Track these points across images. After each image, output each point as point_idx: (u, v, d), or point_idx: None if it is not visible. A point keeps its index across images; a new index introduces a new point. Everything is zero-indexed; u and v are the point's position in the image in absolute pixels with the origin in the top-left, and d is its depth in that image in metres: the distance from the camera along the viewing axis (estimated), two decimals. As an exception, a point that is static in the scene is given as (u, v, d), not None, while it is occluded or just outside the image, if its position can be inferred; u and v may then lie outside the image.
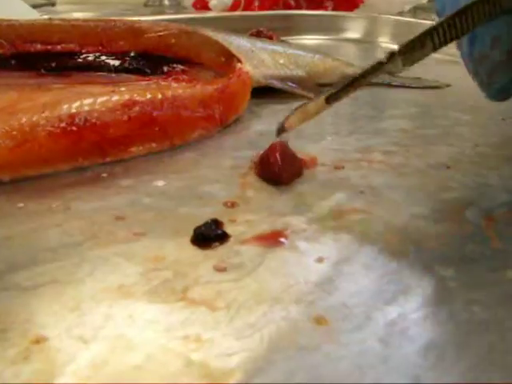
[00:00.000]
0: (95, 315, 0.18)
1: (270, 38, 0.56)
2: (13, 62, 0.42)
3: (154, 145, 0.33)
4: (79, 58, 0.43)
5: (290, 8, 0.97)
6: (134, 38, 0.45)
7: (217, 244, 0.23)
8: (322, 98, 0.28)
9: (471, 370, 0.17)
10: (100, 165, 0.31)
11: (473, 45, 0.27)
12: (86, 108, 0.30)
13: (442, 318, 0.19)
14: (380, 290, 0.20)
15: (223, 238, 0.23)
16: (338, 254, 0.23)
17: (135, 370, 0.16)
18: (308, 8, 0.96)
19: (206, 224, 0.24)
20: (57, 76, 0.42)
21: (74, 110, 0.30)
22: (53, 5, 1.07)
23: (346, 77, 0.28)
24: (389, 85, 0.52)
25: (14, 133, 0.28)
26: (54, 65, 0.43)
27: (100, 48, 0.44)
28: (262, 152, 0.30)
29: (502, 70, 0.27)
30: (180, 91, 0.34)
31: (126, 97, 0.32)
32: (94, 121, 0.30)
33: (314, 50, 0.55)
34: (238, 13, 0.95)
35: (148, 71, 0.44)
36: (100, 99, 0.31)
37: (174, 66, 0.45)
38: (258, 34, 0.57)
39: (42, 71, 0.42)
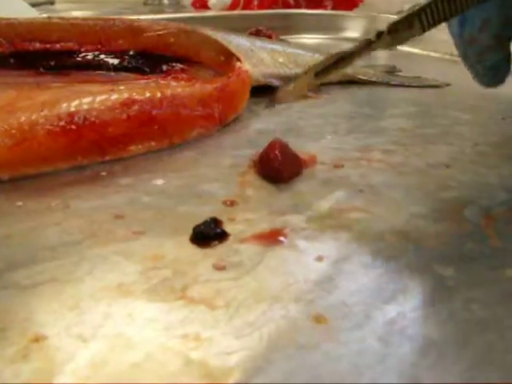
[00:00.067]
0: (94, 314, 0.18)
1: (270, 36, 0.56)
2: (12, 60, 0.42)
3: (153, 143, 0.33)
4: (78, 56, 0.43)
5: (289, 7, 0.97)
6: (133, 36, 0.45)
7: (216, 243, 0.23)
8: (311, 73, 0.28)
9: (470, 369, 0.17)
10: (99, 163, 0.31)
11: (463, 26, 0.27)
12: (85, 107, 0.30)
13: (442, 316, 0.19)
14: (379, 288, 0.20)
15: (222, 236, 0.23)
16: (337, 252, 0.23)
17: (134, 369, 0.16)
18: (307, 7, 0.96)
19: (205, 223, 0.24)
20: (56, 75, 0.42)
21: (73, 109, 0.30)
22: (52, 3, 1.07)
23: (336, 54, 0.28)
24: (388, 84, 0.52)
25: (13, 131, 0.28)
26: (52, 63, 0.43)
27: (99, 47, 0.44)
28: (261, 151, 0.30)
29: (491, 54, 0.27)
30: (179, 90, 0.34)
31: (125, 95, 0.32)
32: (93, 119, 0.30)
33: (314, 49, 0.55)
34: (237, 12, 0.95)
35: (147, 70, 0.44)
36: (99, 98, 0.31)
37: (173, 64, 0.45)
38: (258, 33, 0.57)
39: (41, 70, 0.42)
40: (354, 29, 0.83)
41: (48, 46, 0.43)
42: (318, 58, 0.51)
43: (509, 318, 0.19)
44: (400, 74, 0.57)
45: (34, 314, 0.18)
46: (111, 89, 0.33)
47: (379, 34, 0.26)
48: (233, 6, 0.98)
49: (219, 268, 0.21)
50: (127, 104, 0.31)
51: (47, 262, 0.21)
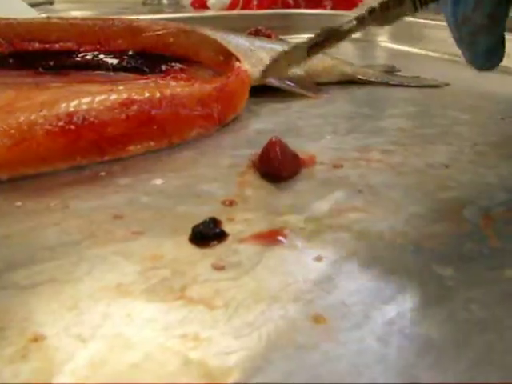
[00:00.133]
0: (93, 314, 0.18)
1: (269, 36, 0.56)
2: (11, 60, 0.42)
3: (152, 143, 0.33)
4: (77, 56, 0.43)
5: (288, 7, 0.97)
6: (133, 36, 0.45)
7: (215, 243, 0.23)
8: (304, 47, 0.27)
9: (470, 369, 0.16)
10: (98, 163, 0.31)
11: (456, 5, 0.27)
12: (84, 107, 0.30)
13: (441, 317, 0.19)
14: (378, 288, 0.20)
15: (221, 236, 0.23)
16: (336, 252, 0.23)
17: (133, 369, 0.16)
18: (307, 7, 0.97)
19: (204, 223, 0.24)
20: (55, 75, 0.42)
21: (72, 109, 0.30)
22: (51, 3, 1.07)
23: (329, 30, 0.28)
24: (387, 84, 0.52)
25: (12, 131, 0.28)
26: (52, 63, 0.43)
27: (98, 47, 0.44)
28: (260, 150, 0.30)
29: (484, 35, 0.27)
30: (178, 90, 0.34)
31: (124, 95, 0.32)
32: (92, 119, 0.30)
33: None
34: (236, 12, 0.95)
35: (146, 70, 0.44)
36: (98, 98, 0.31)
37: (173, 64, 0.45)
38: (257, 33, 0.57)
39: (40, 70, 0.42)
40: (353, 29, 0.83)
41: (47, 46, 0.43)
42: (317, 57, 0.51)
43: (508, 318, 0.19)
44: (399, 73, 0.57)
45: (33, 314, 0.18)
46: (110, 89, 0.33)
47: (371, 11, 0.27)
48: (232, 6, 0.98)
49: (218, 268, 0.21)
50: (126, 104, 0.31)
51: (46, 262, 0.21)
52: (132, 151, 0.32)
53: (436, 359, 0.17)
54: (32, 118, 0.29)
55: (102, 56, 0.44)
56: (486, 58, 0.28)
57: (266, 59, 0.46)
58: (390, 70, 0.58)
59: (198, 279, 0.20)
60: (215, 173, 0.30)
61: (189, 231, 0.24)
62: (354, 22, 0.27)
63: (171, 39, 0.45)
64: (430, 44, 0.71)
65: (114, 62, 0.44)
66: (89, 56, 0.44)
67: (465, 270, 0.22)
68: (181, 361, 0.16)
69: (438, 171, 0.31)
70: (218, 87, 0.37)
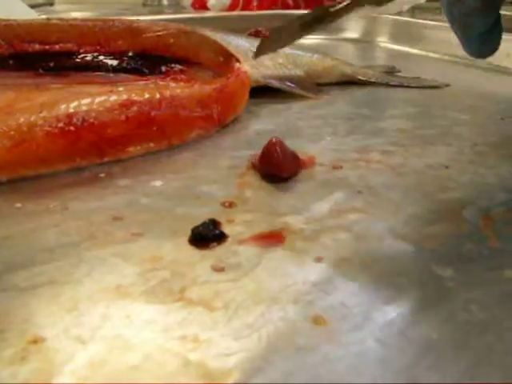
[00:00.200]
0: (93, 315, 0.18)
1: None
2: (11, 61, 0.42)
3: (151, 145, 0.33)
4: (77, 57, 0.43)
5: (288, 8, 0.97)
6: (133, 37, 0.45)
7: (214, 244, 0.23)
8: (297, 24, 0.27)
9: (469, 370, 0.16)
10: (98, 165, 0.31)
11: None
12: (84, 108, 0.30)
13: (441, 317, 0.19)
14: (378, 289, 0.20)
15: (221, 238, 0.23)
16: (336, 253, 0.23)
17: (133, 370, 0.16)
18: (306, 8, 0.96)
19: (203, 224, 0.24)
20: (55, 76, 0.42)
21: (71, 110, 0.30)
22: (51, 4, 1.07)
23: (323, 7, 0.28)
24: (387, 84, 0.52)
25: (12, 133, 0.28)
26: (51, 65, 0.43)
27: (98, 48, 0.44)
28: (260, 152, 0.30)
29: (478, 17, 0.27)
30: (178, 91, 0.34)
31: (124, 97, 0.32)
32: (91, 121, 0.30)
33: (313, 49, 0.55)
34: (236, 12, 0.95)
35: (146, 71, 0.44)
36: (98, 99, 0.31)
37: (173, 65, 0.45)
38: (257, 34, 0.57)
39: (40, 71, 0.42)
40: (353, 29, 0.83)
41: (47, 47, 0.43)
42: (317, 58, 0.51)
43: (508, 319, 0.19)
44: (399, 74, 0.57)
45: (32, 316, 0.18)
46: (110, 90, 0.33)
47: None
48: (232, 7, 0.99)
49: (218, 269, 0.21)
50: (126, 105, 0.31)
51: (46, 263, 0.21)
52: (132, 152, 0.32)
53: (436, 360, 0.17)
54: (32, 119, 0.29)
55: (101, 57, 0.44)
56: (480, 41, 0.28)
57: (267, 60, 0.46)
58: (390, 71, 0.58)
59: (198, 281, 0.20)
60: (215, 174, 0.30)
61: (188, 233, 0.23)
62: (348, 1, 0.27)
63: (171, 40, 0.45)
64: (430, 45, 0.71)
65: (114, 63, 0.44)
66: (89, 57, 0.44)
67: (464, 271, 0.22)
68: (180, 362, 0.16)
69: (438, 172, 0.31)
70: (218, 88, 0.37)
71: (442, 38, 0.68)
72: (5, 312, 0.18)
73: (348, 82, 0.52)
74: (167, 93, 0.34)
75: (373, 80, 0.53)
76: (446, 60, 0.67)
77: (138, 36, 0.45)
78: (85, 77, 0.42)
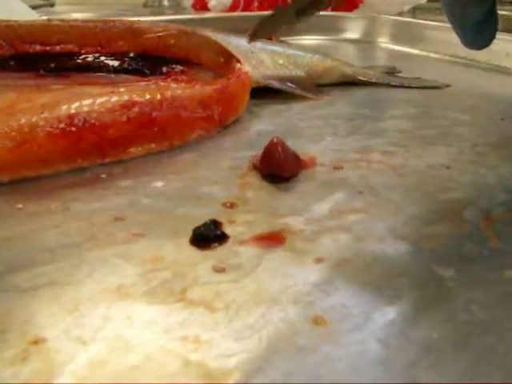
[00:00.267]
0: (94, 316, 0.18)
1: (269, 38, 0.56)
2: (12, 62, 0.42)
3: (153, 145, 0.33)
4: (78, 58, 0.44)
5: (289, 8, 0.97)
6: (133, 38, 0.45)
7: (216, 245, 0.23)
8: (292, 9, 0.27)
9: (470, 370, 0.16)
10: (99, 165, 0.31)
11: None
12: (85, 109, 0.30)
13: (441, 318, 0.19)
14: (379, 290, 0.20)
15: (222, 238, 0.23)
16: (336, 254, 0.23)
17: (134, 371, 0.16)
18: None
19: (204, 225, 0.24)
20: (56, 77, 0.42)
21: (73, 111, 0.30)
22: (52, 5, 1.07)
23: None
24: (388, 85, 0.52)
25: (13, 134, 0.28)
26: (52, 65, 0.43)
27: (99, 49, 0.44)
28: (261, 152, 0.30)
29: (473, 6, 0.27)
30: (179, 92, 0.35)
31: (125, 97, 0.32)
32: (93, 121, 0.30)
33: (314, 50, 0.55)
34: (237, 13, 0.95)
35: (147, 72, 0.44)
36: (99, 100, 0.31)
37: (173, 66, 0.45)
38: (257, 35, 0.57)
39: (41, 72, 0.42)
40: (354, 30, 0.83)
41: (48, 48, 0.43)
42: (317, 58, 0.51)
43: (508, 319, 0.19)
44: (400, 74, 0.57)
45: (33, 317, 0.18)
46: (111, 91, 0.33)
47: None
48: (233, 8, 0.99)
49: (219, 270, 0.21)
50: (127, 106, 0.31)
51: (47, 264, 0.21)
52: (133, 153, 0.32)
53: (436, 360, 0.17)
54: (33, 120, 0.29)
55: (102, 58, 0.44)
56: (475, 31, 0.28)
57: (267, 61, 0.46)
58: (391, 71, 0.58)
59: (199, 281, 0.21)
60: (216, 175, 0.30)
61: (189, 233, 0.24)
62: None
63: (172, 41, 0.45)
64: (430, 45, 0.71)
65: (115, 63, 0.44)
66: (90, 58, 0.44)
67: (465, 271, 0.22)
68: (181, 363, 0.16)
69: (439, 172, 0.31)
70: (219, 89, 0.37)
71: (442, 38, 0.68)
72: (6, 313, 0.19)
73: (349, 83, 0.52)
74: (168, 93, 0.34)
75: (373, 80, 0.53)
76: (446, 60, 0.67)
77: (138, 37, 0.45)
78: (86, 78, 0.42)
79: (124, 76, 0.43)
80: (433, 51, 0.70)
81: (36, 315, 0.18)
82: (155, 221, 0.25)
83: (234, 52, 0.43)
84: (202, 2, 1.04)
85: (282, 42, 0.57)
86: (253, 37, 0.29)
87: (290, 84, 0.46)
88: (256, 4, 0.97)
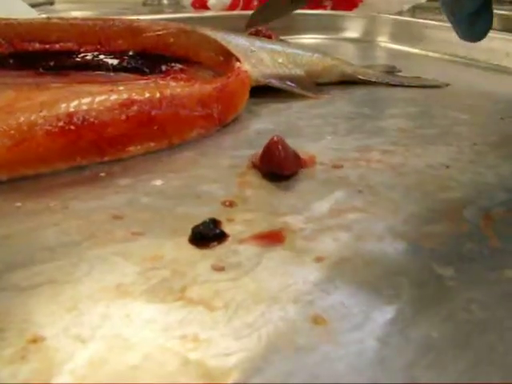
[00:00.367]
0: (93, 315, 0.18)
1: (269, 37, 0.56)
2: (11, 60, 0.42)
3: (152, 144, 0.33)
4: (77, 57, 0.43)
5: (288, 7, 0.97)
6: (133, 37, 0.45)
7: (215, 243, 0.23)
8: None
9: (469, 369, 0.16)
10: (98, 164, 0.31)
11: None
12: (84, 107, 0.30)
13: (441, 317, 0.19)
14: (378, 289, 0.20)
15: (221, 237, 0.23)
16: (336, 253, 0.23)
17: (133, 370, 0.16)
18: (307, 7, 0.96)
19: (204, 223, 0.24)
20: (55, 75, 0.42)
21: (72, 109, 0.30)
22: (51, 4, 1.07)
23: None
24: (388, 84, 0.52)
25: (12, 132, 0.28)
26: (52, 64, 0.43)
27: (98, 47, 0.44)
28: (260, 151, 0.30)
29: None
30: (178, 90, 0.34)
31: (125, 96, 0.32)
32: (92, 120, 0.30)
33: (313, 49, 0.55)
34: (236, 12, 0.95)
35: (146, 70, 0.44)
36: (98, 98, 0.31)
37: (173, 65, 0.45)
38: (257, 33, 0.57)
39: (41, 70, 0.42)
40: (353, 29, 0.83)
41: (47, 46, 0.43)
42: (317, 57, 0.51)
43: (508, 319, 0.19)
44: (400, 74, 0.57)
45: (32, 315, 0.18)
46: (110, 89, 0.33)
47: None
48: (232, 6, 0.98)
49: (218, 269, 0.21)
50: (126, 104, 0.31)
51: (46, 262, 0.21)
52: (132, 152, 0.32)
53: (436, 359, 0.17)
54: (32, 118, 0.29)
55: (102, 56, 0.44)
56: (469, 22, 0.28)
57: (267, 60, 0.46)
58: (391, 71, 0.58)
59: (198, 280, 0.20)
60: (215, 173, 0.30)
61: (189, 232, 0.23)
62: None
63: (171, 39, 0.45)
64: (430, 44, 0.71)
65: (115, 62, 0.44)
66: (89, 56, 0.44)
67: (465, 271, 0.22)
68: (180, 362, 0.16)
69: (438, 171, 0.31)
70: (219, 87, 0.37)
71: (442, 37, 0.68)
72: (5, 311, 0.18)
73: (348, 82, 0.52)
74: (167, 92, 0.34)
75: (373, 79, 0.53)
76: (446, 60, 0.67)
77: (138, 35, 0.45)
78: (85, 76, 0.42)
79: (123, 74, 0.43)
80: (432, 50, 0.70)
81: (35, 314, 0.18)
82: (154, 219, 0.25)
83: (234, 51, 0.43)
84: (202, 1, 1.03)
85: (281, 40, 0.57)
86: (250, 24, 0.29)
87: (289, 83, 0.46)
88: (256, 2, 0.97)
